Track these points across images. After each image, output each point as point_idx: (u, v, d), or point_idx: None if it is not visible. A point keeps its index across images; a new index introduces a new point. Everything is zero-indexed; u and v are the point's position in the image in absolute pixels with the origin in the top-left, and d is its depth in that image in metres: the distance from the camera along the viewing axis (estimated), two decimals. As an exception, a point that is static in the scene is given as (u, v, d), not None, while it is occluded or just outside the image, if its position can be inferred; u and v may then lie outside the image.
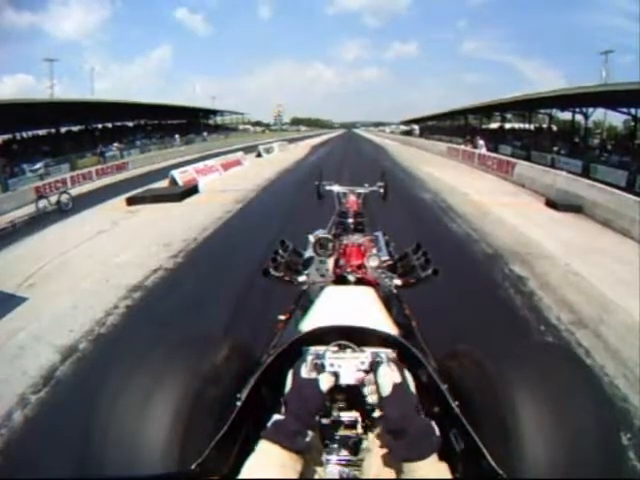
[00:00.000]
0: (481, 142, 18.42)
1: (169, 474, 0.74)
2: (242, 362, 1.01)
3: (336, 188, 3.39)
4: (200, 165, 14.79)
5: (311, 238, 1.84)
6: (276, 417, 0.75)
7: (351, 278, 1.73)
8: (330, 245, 1.74)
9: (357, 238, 2.05)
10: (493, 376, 0.86)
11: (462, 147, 19.21)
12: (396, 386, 0.77)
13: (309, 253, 1.85)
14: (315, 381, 0.78)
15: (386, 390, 0.77)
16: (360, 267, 1.78)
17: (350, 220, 2.72)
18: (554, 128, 24.60)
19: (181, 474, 0.75)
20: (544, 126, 25.53)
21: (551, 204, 8.79)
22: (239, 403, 0.87)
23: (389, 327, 1.12)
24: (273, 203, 9.71)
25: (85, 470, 0.78)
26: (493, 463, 0.74)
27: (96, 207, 10.21)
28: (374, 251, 1.82)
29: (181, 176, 12.99)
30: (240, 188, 11.62)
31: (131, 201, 9.95)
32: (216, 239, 6.82)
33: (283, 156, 22.72)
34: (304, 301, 1.63)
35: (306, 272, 1.78)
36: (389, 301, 1.56)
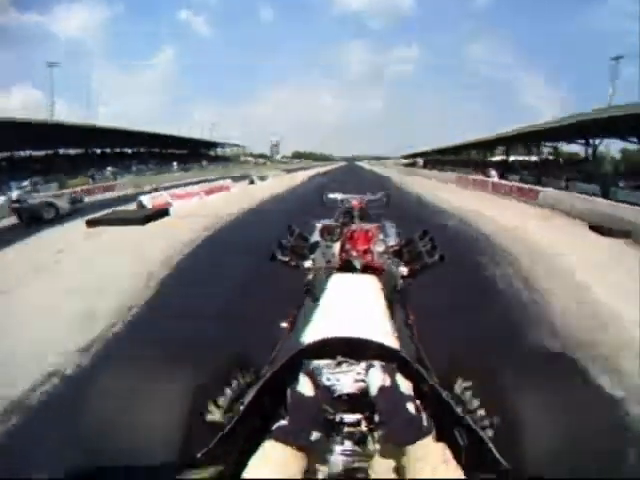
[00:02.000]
0: (493, 172, 17.37)
1: (174, 463, 0.75)
2: (245, 369, 1.01)
3: (340, 196, 3.42)
4: (178, 190, 13.27)
5: (318, 225, 1.93)
6: (280, 422, 0.73)
7: (357, 264, 1.66)
8: (337, 231, 1.77)
9: (364, 224, 2.06)
10: (495, 377, 0.87)
11: (472, 176, 18.04)
12: (383, 388, 0.76)
13: (315, 238, 1.89)
14: (312, 397, 0.76)
15: (374, 393, 0.77)
16: (366, 252, 1.74)
17: (355, 213, 2.72)
18: (560, 160, 23.72)
19: (186, 463, 0.76)
20: (550, 158, 24.74)
21: (596, 229, 7.41)
22: (241, 408, 0.87)
23: (388, 325, 1.15)
24: (247, 235, 7.71)
25: (89, 455, 0.78)
26: (497, 454, 0.75)
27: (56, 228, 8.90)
28: (380, 237, 1.82)
29: (152, 200, 11.64)
30: (216, 214, 9.99)
31: (92, 223, 8.45)
32: (170, 278, 5.11)
33: (276, 183, 21.52)
34: (308, 300, 1.61)
35: (312, 257, 1.80)
36: (391, 291, 1.53)
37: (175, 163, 36.62)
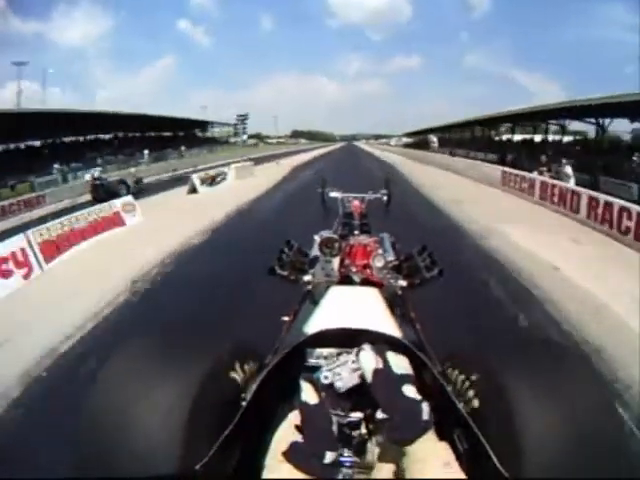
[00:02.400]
0: (568, 170, 10.40)
1: (172, 475, 0.71)
2: (247, 362, 0.96)
3: (340, 195, 3.41)
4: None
5: (317, 238, 1.86)
6: (296, 440, 0.71)
7: (356, 278, 1.70)
8: (336, 245, 1.72)
9: (363, 239, 2.08)
10: (498, 377, 0.80)
11: (535, 176, 11.03)
12: (376, 371, 0.75)
13: (315, 253, 1.83)
14: (320, 404, 0.76)
15: (369, 379, 0.75)
16: (365, 267, 1.75)
17: (356, 222, 2.75)
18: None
19: (184, 475, 0.73)
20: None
21: None
22: (244, 404, 0.85)
23: (393, 329, 1.07)
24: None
25: (84, 470, 0.73)
26: (498, 463, 0.73)
27: None
28: (380, 252, 1.77)
29: None
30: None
31: None
32: None
33: (239, 186, 14.63)
34: (308, 302, 1.61)
35: (311, 271, 1.75)
36: (393, 302, 1.50)
37: (147, 152, 29.99)
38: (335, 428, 0.75)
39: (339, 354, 0.85)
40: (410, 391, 0.72)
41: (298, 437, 0.70)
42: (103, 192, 13.18)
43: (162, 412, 0.73)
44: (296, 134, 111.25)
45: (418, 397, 0.72)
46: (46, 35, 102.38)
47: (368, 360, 0.76)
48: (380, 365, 0.75)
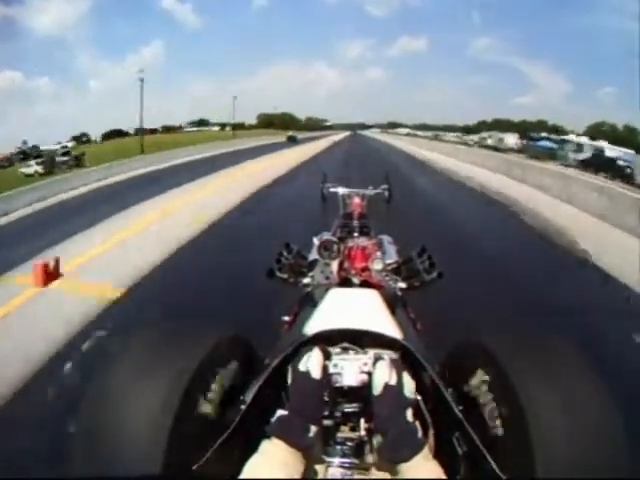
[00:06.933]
0: None
1: (170, 475, 0.73)
2: (247, 362, 1.02)
3: (340, 190, 3.32)
4: None
5: (316, 241, 1.87)
6: (280, 413, 0.75)
7: (355, 281, 1.71)
8: (335, 247, 1.73)
9: (362, 241, 2.10)
10: (499, 377, 0.84)
11: None
12: (388, 387, 0.75)
13: (314, 256, 1.87)
14: (318, 380, 0.76)
15: (378, 390, 0.76)
16: (364, 270, 1.76)
17: (355, 223, 2.70)
18: None
19: (182, 476, 0.75)
20: None
21: None
22: (243, 406, 0.88)
23: (393, 330, 1.11)
24: None
25: (82, 471, 0.75)
26: (495, 466, 0.74)
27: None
28: (378, 254, 1.79)
29: None
30: None
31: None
32: None
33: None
34: (308, 303, 1.62)
35: (310, 274, 1.77)
36: (393, 304, 1.52)
37: None
38: (324, 403, 0.75)
39: (346, 349, 0.87)
40: (410, 415, 0.71)
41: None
42: (291, 139, 46.52)
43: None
44: (266, 121, 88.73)
45: (415, 421, 0.71)
46: (19, 21, 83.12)
47: (383, 372, 0.75)
48: (393, 381, 0.74)
